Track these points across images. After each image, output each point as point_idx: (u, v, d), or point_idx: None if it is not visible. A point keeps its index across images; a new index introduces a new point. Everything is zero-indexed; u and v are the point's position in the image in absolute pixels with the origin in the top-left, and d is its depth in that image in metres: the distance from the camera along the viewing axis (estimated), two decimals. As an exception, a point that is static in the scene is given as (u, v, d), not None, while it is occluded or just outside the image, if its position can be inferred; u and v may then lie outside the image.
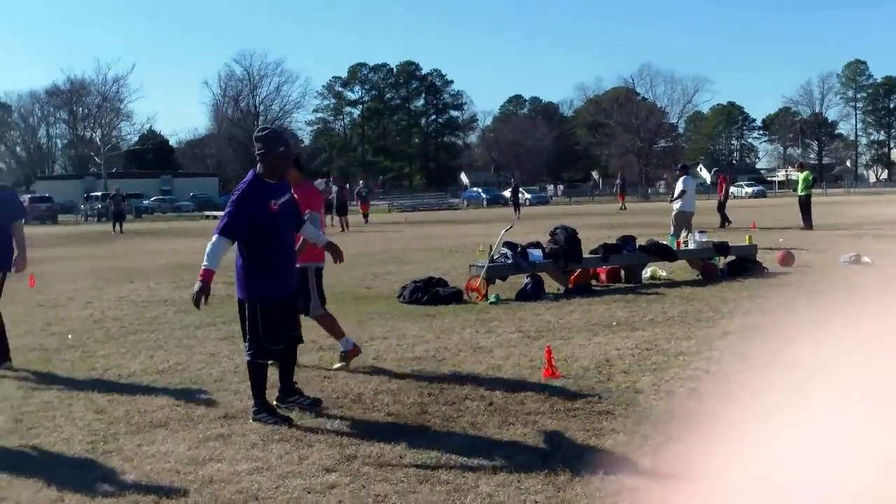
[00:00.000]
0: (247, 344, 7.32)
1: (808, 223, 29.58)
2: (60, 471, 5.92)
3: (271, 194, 7.18)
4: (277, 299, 7.22)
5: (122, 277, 19.35)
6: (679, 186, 23.12)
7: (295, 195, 7.89)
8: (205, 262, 6.95)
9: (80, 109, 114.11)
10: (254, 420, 7.07)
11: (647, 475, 5.43)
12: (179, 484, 5.61)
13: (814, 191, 31.46)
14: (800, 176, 31.70)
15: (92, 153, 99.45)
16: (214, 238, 7.00)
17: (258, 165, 7.26)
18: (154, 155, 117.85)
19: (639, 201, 73.38)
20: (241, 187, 7.18)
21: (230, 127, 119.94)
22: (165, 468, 5.93)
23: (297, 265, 7.98)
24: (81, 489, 5.54)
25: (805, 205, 30.30)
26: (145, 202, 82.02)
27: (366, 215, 46.04)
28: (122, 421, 7.21)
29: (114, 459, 6.19)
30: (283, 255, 7.33)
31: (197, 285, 6.86)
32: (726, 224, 31.22)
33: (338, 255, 7.80)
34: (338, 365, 9.00)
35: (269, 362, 7.44)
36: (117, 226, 44.75)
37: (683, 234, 20.24)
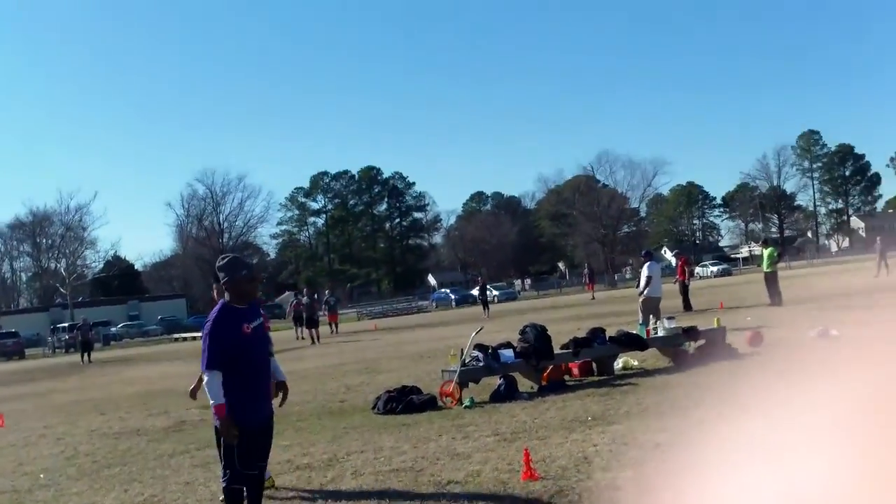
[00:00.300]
0: (223, 470, 7.26)
1: (776, 299, 29.56)
2: None
3: (243, 318, 7.29)
4: (253, 424, 7.23)
5: (92, 409, 19.14)
6: (644, 272, 23.34)
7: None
8: (214, 401, 7.03)
9: (44, 241, 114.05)
10: None
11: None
12: None
13: (778, 266, 31.50)
14: (764, 252, 31.77)
15: (57, 284, 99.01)
16: (207, 375, 7.08)
17: (225, 294, 7.37)
18: (120, 281, 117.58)
19: (606, 289, 73.72)
20: (213, 316, 7.26)
21: (195, 246, 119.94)
22: None
23: None
24: None
25: (771, 280, 30.22)
26: (113, 329, 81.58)
27: (335, 325, 45.95)
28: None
29: None
30: (258, 379, 7.38)
31: (222, 424, 7.01)
32: (688, 310, 31.00)
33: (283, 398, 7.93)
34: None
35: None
36: (86, 356, 44.34)
37: (652, 320, 20.33)
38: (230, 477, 7.16)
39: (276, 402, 7.86)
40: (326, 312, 46.65)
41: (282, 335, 41.07)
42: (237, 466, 7.12)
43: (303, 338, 40.54)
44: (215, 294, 8.69)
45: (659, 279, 23.34)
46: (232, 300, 7.34)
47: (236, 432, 7.02)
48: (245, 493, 7.28)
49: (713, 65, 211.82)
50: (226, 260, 7.66)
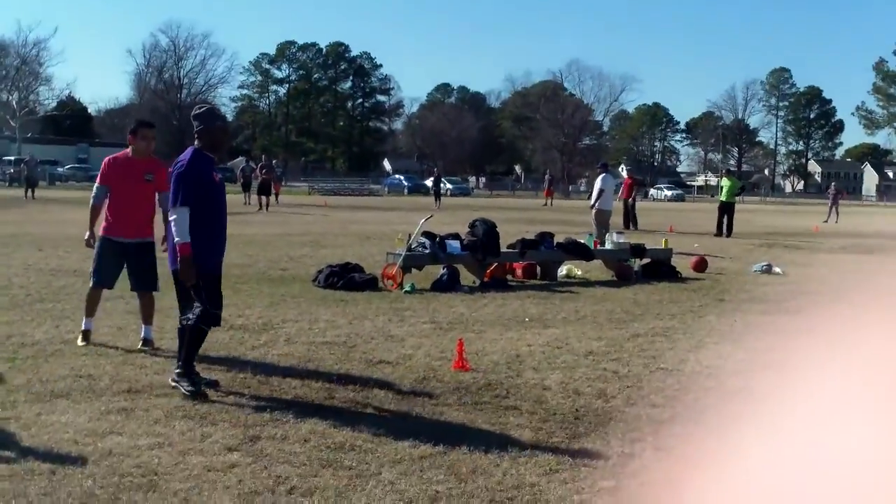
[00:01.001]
0: (190, 312, 7.28)
1: (728, 230, 29.66)
2: (-46, 438, 5.79)
3: (213, 167, 7.46)
4: (216, 269, 7.41)
5: (31, 244, 18.95)
6: (598, 185, 23.40)
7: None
8: (181, 239, 7.09)
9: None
10: (173, 382, 7.12)
11: (550, 472, 5.48)
12: (77, 454, 5.52)
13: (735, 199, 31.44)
14: (726, 182, 31.68)
15: (7, 116, 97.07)
16: (178, 212, 7.12)
17: (197, 141, 7.45)
18: (72, 122, 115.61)
19: (560, 199, 73.89)
20: (186, 159, 7.31)
21: (152, 98, 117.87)
22: (64, 438, 5.83)
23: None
24: (-25, 457, 5.42)
25: (727, 211, 30.15)
26: (60, 170, 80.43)
27: (277, 195, 45.62)
28: (22, 389, 7.06)
29: (11, 426, 6.06)
30: (221, 227, 7.52)
31: (184, 262, 7.10)
32: (630, 227, 30.88)
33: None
34: (81, 341, 8.95)
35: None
36: (29, 192, 43.81)
37: (598, 232, 20.40)
38: (200, 316, 7.19)
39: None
40: (274, 181, 46.34)
41: (231, 199, 40.77)
42: (205, 304, 7.18)
43: (249, 203, 40.28)
44: (130, 147, 8.85)
45: (611, 193, 23.42)
46: (203, 148, 7.42)
47: (195, 272, 7.09)
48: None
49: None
50: (203, 109, 7.69)
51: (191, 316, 7.24)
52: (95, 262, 9.08)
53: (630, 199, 33.02)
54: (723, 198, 30.85)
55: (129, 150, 9.16)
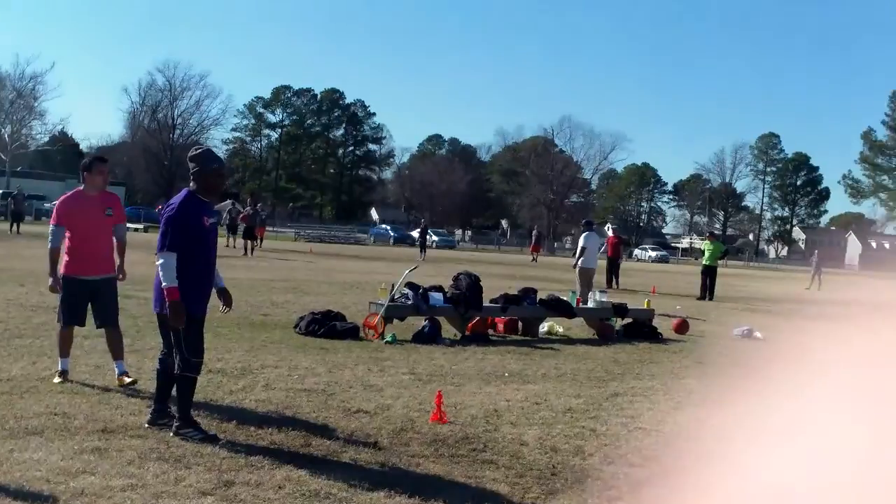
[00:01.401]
0: (167, 359, 7.32)
1: (710, 294, 29.62)
2: (-75, 472, 5.74)
3: (204, 211, 7.33)
4: (199, 314, 7.31)
5: (13, 280, 18.89)
6: (581, 243, 23.46)
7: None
8: (168, 283, 7.03)
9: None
10: (176, 434, 7.04)
11: (523, 528, 5.45)
12: (49, 493, 5.48)
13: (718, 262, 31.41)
14: (709, 245, 31.35)
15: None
16: (164, 256, 7.07)
17: (192, 183, 7.39)
18: (63, 157, 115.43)
19: (545, 255, 74.07)
20: (177, 202, 7.26)
21: (145, 137, 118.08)
22: (36, 476, 5.79)
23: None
24: (-55, 492, 5.37)
25: (709, 274, 30.06)
26: (47, 205, 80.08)
27: (261, 239, 45.60)
28: (-5, 425, 7.02)
29: (-17, 464, 6.02)
30: (208, 273, 7.44)
31: (173, 307, 7.02)
32: (612, 286, 30.88)
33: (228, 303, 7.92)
34: (58, 379, 8.90)
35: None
36: (14, 226, 43.69)
37: (581, 291, 20.43)
38: (181, 366, 7.19)
39: (220, 308, 7.83)
40: (257, 224, 46.36)
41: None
42: (185, 354, 7.15)
43: (234, 246, 40.26)
44: (83, 184, 8.85)
45: (595, 252, 23.44)
46: (198, 191, 7.35)
47: (184, 316, 7.04)
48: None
49: (691, 51, 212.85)
50: (199, 151, 7.60)
51: (177, 365, 7.23)
52: (63, 304, 9.03)
53: (615, 258, 33.14)
54: (706, 261, 30.74)
55: (80, 187, 9.10)
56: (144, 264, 22.17)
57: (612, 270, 32.65)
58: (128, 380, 8.92)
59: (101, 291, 9.05)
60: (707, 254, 30.92)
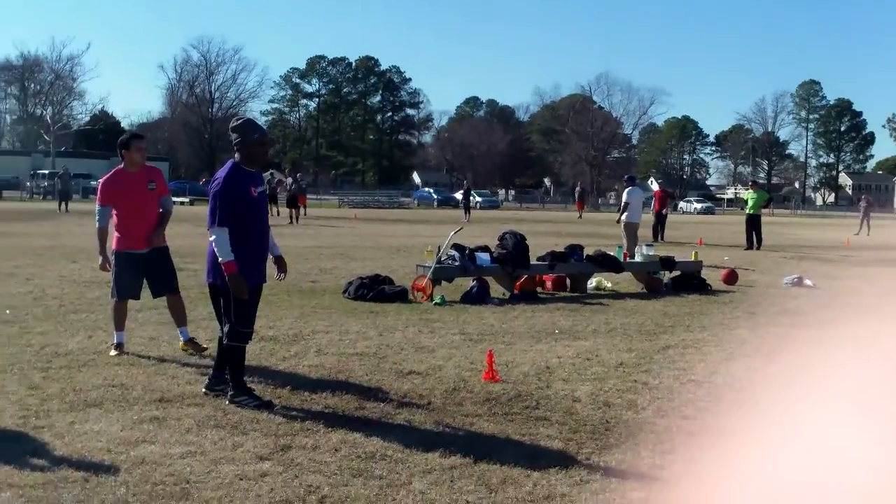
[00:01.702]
0: (224, 327, 7.35)
1: (757, 243, 29.35)
2: (-10, 445, 5.85)
3: (251, 181, 7.31)
4: (253, 285, 7.32)
5: (64, 256, 19.13)
6: (624, 198, 23.39)
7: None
8: (224, 258, 7.07)
9: (32, 86, 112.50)
10: (231, 402, 7.12)
11: (580, 482, 5.47)
12: (110, 462, 5.57)
13: (764, 210, 31.06)
14: (752, 194, 31.18)
15: (41, 130, 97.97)
16: (216, 232, 7.10)
17: (236, 155, 7.36)
18: (105, 136, 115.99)
19: (590, 211, 73.78)
20: (222, 175, 7.24)
21: (184, 112, 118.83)
22: (97, 447, 5.88)
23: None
24: (11, 462, 5.48)
25: (755, 224, 29.87)
26: (93, 182, 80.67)
27: (304, 208, 45.70)
28: (55, 398, 7.14)
29: (45, 435, 6.13)
30: (261, 241, 7.46)
31: (232, 280, 7.06)
32: (658, 240, 30.92)
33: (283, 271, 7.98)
34: (114, 352, 9.01)
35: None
36: (63, 205, 44.14)
37: (627, 245, 20.36)
38: (229, 335, 7.25)
39: (275, 275, 7.88)
40: (297, 193, 46.44)
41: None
42: (234, 324, 7.21)
43: (276, 214, 40.39)
44: (123, 162, 8.92)
45: (639, 206, 23.34)
46: (242, 161, 7.32)
47: (246, 287, 7.09)
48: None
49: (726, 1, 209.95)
50: (240, 121, 7.56)
51: (225, 335, 7.30)
52: (116, 278, 9.15)
53: (661, 212, 33.13)
54: (750, 210, 30.47)
55: (120, 165, 9.17)
56: (191, 237, 22.39)
57: (659, 224, 32.64)
58: (192, 352, 9.03)
59: (154, 262, 9.18)
60: (751, 203, 30.56)
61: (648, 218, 30.43)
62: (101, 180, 9.29)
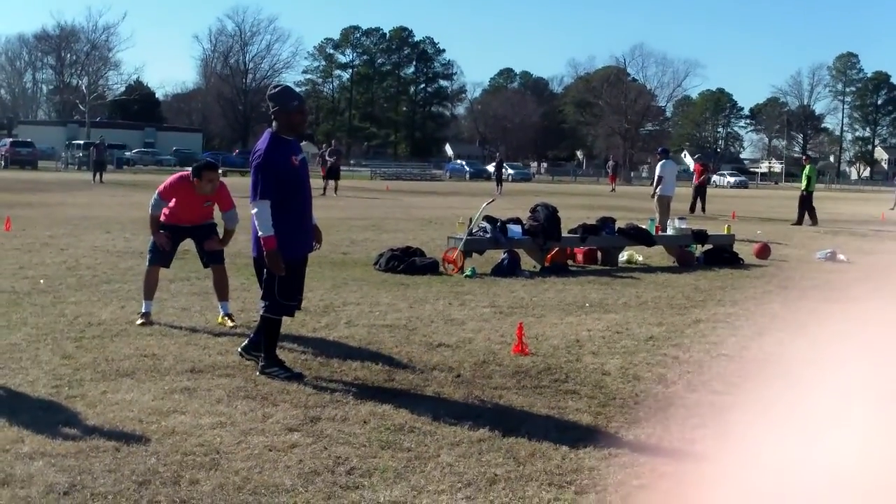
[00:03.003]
0: (264, 300, 7.35)
1: (812, 218, 28.24)
2: (23, 412, 5.92)
3: (291, 150, 7.27)
4: (297, 256, 7.34)
5: (98, 227, 19.27)
6: (657, 171, 23.27)
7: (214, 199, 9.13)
8: (264, 233, 7.02)
9: (68, 56, 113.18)
10: (261, 374, 7.15)
11: (609, 456, 5.47)
12: (141, 432, 5.62)
13: (793, 184, 30.54)
14: (810, 170, 29.52)
15: (77, 101, 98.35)
16: (258, 206, 7.03)
17: (273, 124, 7.28)
18: (139, 106, 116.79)
19: (622, 184, 73.47)
20: (262, 147, 7.17)
21: (218, 83, 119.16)
22: (128, 416, 5.94)
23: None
24: (43, 431, 5.54)
25: (807, 200, 28.61)
26: (127, 154, 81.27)
27: (326, 178, 45.48)
28: (88, 367, 7.20)
29: (77, 404, 6.18)
30: (305, 211, 7.42)
31: (270, 256, 7.03)
32: (695, 211, 31.11)
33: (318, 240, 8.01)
34: (140, 321, 9.05)
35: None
36: (98, 175, 44.35)
37: (659, 218, 20.26)
38: (269, 307, 7.26)
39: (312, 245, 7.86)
40: (320, 165, 46.19)
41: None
42: (277, 297, 7.21)
43: (335, 191, 39.96)
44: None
45: (673, 179, 23.19)
46: (280, 131, 7.25)
47: (283, 265, 7.07)
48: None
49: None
50: (278, 89, 7.48)
51: (263, 306, 7.32)
52: (152, 244, 9.25)
53: (700, 185, 33.39)
54: (811, 188, 28.89)
55: (192, 179, 9.22)
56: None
57: (700, 196, 33.03)
58: (230, 323, 9.10)
59: (200, 234, 9.34)
60: (811, 180, 28.99)
61: (683, 192, 30.26)
62: (172, 177, 9.38)
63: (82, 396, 6.38)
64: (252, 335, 7.67)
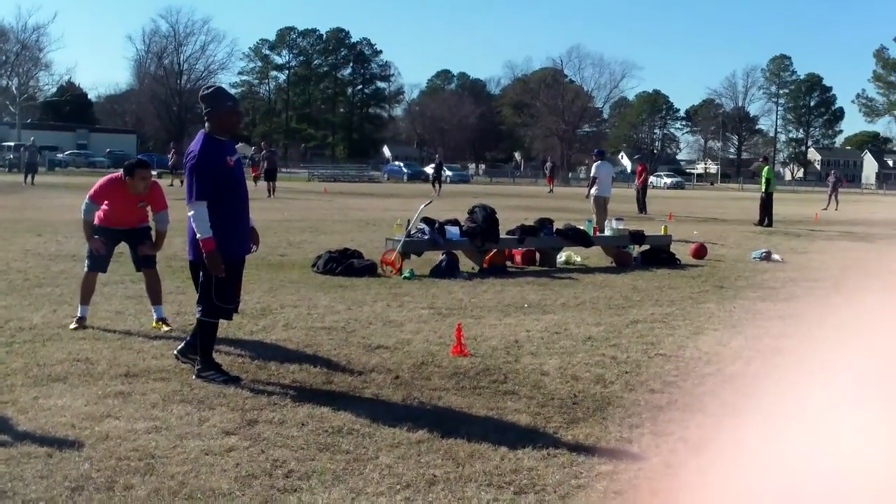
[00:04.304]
0: (200, 303, 7.28)
1: (765, 219, 28.42)
2: (-49, 421, 5.78)
3: (225, 151, 7.19)
4: (235, 258, 7.27)
5: (29, 230, 18.95)
6: (592, 172, 23.42)
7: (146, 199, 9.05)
8: (202, 234, 6.94)
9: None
10: (197, 377, 7.06)
11: (548, 456, 5.47)
12: (74, 438, 5.52)
13: (733, 185, 30.95)
14: (769, 171, 29.78)
15: (7, 102, 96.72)
16: (196, 207, 6.96)
17: (206, 125, 7.21)
18: (71, 108, 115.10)
19: (560, 185, 73.85)
20: (196, 148, 7.08)
21: (152, 84, 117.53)
22: (61, 422, 5.83)
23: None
24: (-28, 440, 5.42)
25: (766, 201, 28.76)
26: (60, 156, 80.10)
27: (256, 179, 45.56)
28: (19, 373, 7.06)
29: (8, 410, 6.06)
30: (241, 213, 7.34)
31: (210, 257, 6.96)
32: (643, 213, 31.75)
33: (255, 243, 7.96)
34: (74, 325, 8.93)
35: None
36: (29, 177, 43.66)
37: (597, 219, 20.39)
38: (205, 310, 7.18)
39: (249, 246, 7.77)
40: (249, 164, 46.11)
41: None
42: (213, 300, 7.13)
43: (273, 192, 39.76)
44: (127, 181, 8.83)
45: (608, 180, 23.30)
46: (214, 131, 7.18)
47: (223, 265, 7.00)
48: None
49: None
50: (211, 90, 7.41)
51: (199, 309, 7.24)
52: (89, 250, 9.12)
53: (641, 185, 34.51)
54: (770, 189, 29.08)
55: (120, 173, 9.13)
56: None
57: (640, 197, 34.00)
58: (165, 328, 8.98)
59: (133, 237, 9.25)
60: (770, 182, 29.21)
61: (621, 193, 30.51)
62: (102, 179, 9.27)
63: (13, 402, 6.25)
64: (189, 337, 7.57)
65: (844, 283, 14.13)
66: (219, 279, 7.08)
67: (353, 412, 6.25)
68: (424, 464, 5.27)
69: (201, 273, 7.21)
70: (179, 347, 7.58)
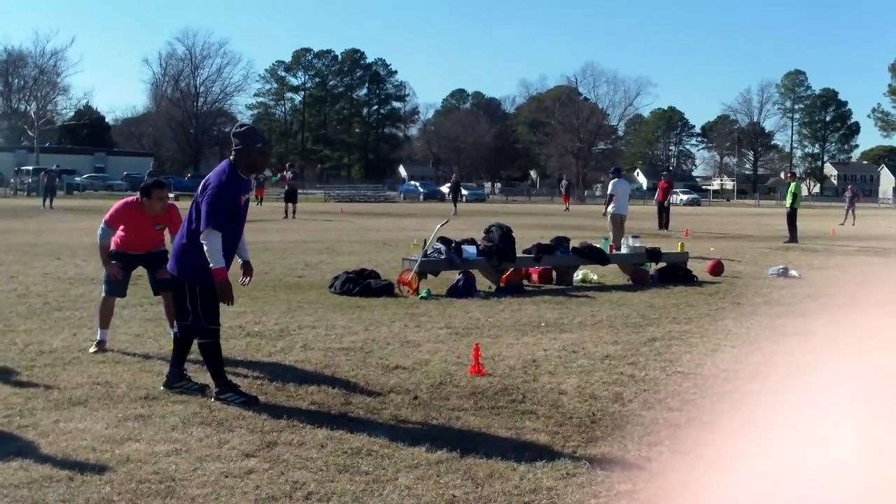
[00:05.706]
0: (181, 324, 7.38)
1: (793, 236, 28.30)
2: (-26, 445, 5.82)
3: (242, 189, 7.30)
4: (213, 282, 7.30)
5: (49, 253, 19.05)
6: (609, 189, 23.43)
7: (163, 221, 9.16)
8: (215, 264, 7.03)
9: (16, 81, 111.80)
10: (217, 399, 7.09)
11: (567, 476, 5.47)
12: (95, 461, 5.54)
13: (750, 201, 31.00)
14: (795, 187, 29.67)
15: (25, 126, 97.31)
16: (211, 237, 7.02)
17: (233, 157, 7.29)
18: (89, 131, 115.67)
19: (575, 203, 73.81)
20: (221, 179, 7.15)
21: (169, 107, 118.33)
22: (82, 445, 5.86)
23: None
24: (-6, 464, 5.45)
25: (791, 217, 28.72)
26: (78, 179, 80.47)
27: (260, 200, 46.54)
28: (40, 397, 7.10)
29: (30, 434, 6.10)
30: (233, 245, 7.40)
31: (221, 287, 7.07)
32: (664, 229, 31.86)
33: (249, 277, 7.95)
34: (94, 349, 8.98)
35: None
36: (48, 201, 43.93)
37: (614, 237, 20.38)
38: (201, 332, 7.28)
39: (240, 280, 7.79)
40: (255, 187, 46.52)
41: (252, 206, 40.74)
42: (202, 322, 7.22)
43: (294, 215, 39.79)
44: (143, 201, 8.94)
45: (625, 197, 23.31)
46: (239, 167, 7.27)
47: (229, 292, 7.12)
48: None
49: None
50: (243, 129, 7.48)
51: (176, 331, 7.39)
52: (106, 274, 9.18)
53: (664, 202, 34.99)
54: (796, 205, 29.08)
55: (136, 197, 9.20)
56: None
57: (665, 213, 34.40)
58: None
59: (152, 260, 9.32)
60: (797, 197, 29.21)
61: (639, 210, 30.49)
62: (118, 203, 9.31)
63: (34, 426, 6.29)
64: (171, 367, 7.57)
65: (861, 299, 14.08)
66: (208, 302, 7.20)
67: (371, 433, 6.26)
68: (444, 484, 5.27)
69: (188, 294, 7.28)
70: (164, 382, 7.55)
